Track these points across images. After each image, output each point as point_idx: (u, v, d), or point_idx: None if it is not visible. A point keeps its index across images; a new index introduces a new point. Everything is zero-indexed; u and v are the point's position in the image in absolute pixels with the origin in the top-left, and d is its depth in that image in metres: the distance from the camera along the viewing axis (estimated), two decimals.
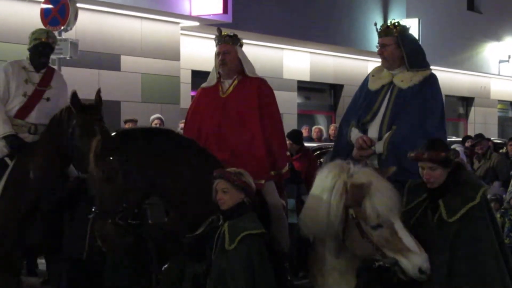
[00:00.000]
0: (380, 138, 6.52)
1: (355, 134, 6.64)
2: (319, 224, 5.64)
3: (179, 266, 6.02)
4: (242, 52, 6.92)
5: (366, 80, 6.95)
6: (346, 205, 5.50)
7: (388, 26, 6.72)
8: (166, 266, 6.32)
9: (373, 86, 6.80)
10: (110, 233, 5.82)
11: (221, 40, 6.87)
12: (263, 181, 6.56)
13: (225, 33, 6.91)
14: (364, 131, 6.63)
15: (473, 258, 5.39)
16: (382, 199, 5.39)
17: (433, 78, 6.74)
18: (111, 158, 5.84)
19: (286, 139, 12.10)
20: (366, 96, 6.80)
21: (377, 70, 6.92)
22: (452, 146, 13.56)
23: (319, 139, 17.93)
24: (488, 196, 10.73)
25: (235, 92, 6.82)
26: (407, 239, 5.35)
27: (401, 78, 6.66)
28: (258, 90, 6.80)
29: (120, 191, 5.83)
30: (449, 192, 5.52)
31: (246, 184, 5.75)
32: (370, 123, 6.65)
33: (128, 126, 14.01)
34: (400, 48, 6.66)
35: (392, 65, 6.73)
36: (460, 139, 18.69)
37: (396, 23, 6.73)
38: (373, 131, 6.61)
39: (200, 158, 6.25)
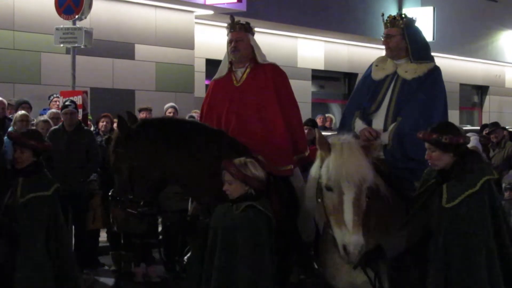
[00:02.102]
0: (385, 129, 6.57)
1: (359, 125, 6.67)
2: (310, 190, 5.77)
3: (199, 258, 6.07)
4: (254, 40, 6.90)
5: (369, 70, 6.98)
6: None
7: (394, 17, 6.76)
8: (188, 256, 6.40)
9: (376, 76, 6.84)
10: (120, 218, 6.10)
11: (233, 27, 6.85)
12: (291, 167, 6.58)
13: (238, 21, 6.90)
14: (369, 121, 6.66)
15: (463, 252, 5.41)
16: (338, 165, 5.42)
17: (437, 71, 6.76)
18: (119, 150, 6.08)
19: (305, 126, 12.21)
20: (370, 86, 6.83)
21: (380, 60, 6.96)
22: (467, 135, 13.52)
23: (330, 128, 18.03)
24: (503, 185, 10.74)
25: (249, 79, 6.81)
26: (348, 213, 5.34)
27: (405, 69, 6.71)
28: (273, 75, 6.80)
29: (126, 182, 6.04)
30: (454, 178, 5.54)
31: (247, 178, 5.76)
32: (375, 113, 6.69)
33: (142, 114, 14.05)
34: (404, 40, 6.69)
35: (396, 56, 6.78)
36: (475, 128, 18.65)
37: (403, 15, 6.77)
38: (378, 121, 6.65)
39: (223, 147, 6.29)
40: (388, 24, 6.78)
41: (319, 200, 5.56)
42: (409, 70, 6.67)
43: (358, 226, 5.33)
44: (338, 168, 5.40)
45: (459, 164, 5.55)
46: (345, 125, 6.84)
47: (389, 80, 6.73)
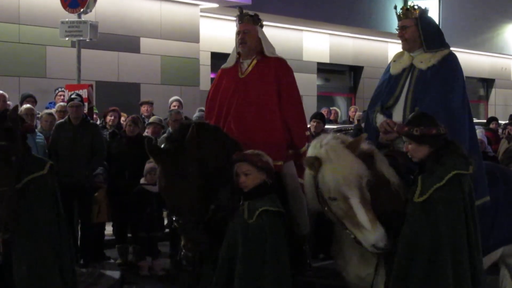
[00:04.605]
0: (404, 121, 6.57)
1: (380, 119, 6.71)
2: (308, 195, 5.82)
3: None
4: (263, 33, 6.94)
5: (388, 67, 7.05)
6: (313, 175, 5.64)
7: (408, 9, 6.80)
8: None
9: (394, 70, 6.90)
10: (200, 240, 5.73)
11: (242, 19, 6.90)
12: (280, 163, 6.59)
13: (246, 13, 6.94)
14: (389, 115, 6.70)
15: (428, 248, 5.40)
16: (332, 174, 5.46)
17: (451, 57, 6.79)
18: (190, 165, 5.71)
19: (313, 120, 12.30)
20: (389, 81, 6.89)
21: (398, 56, 7.02)
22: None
23: (335, 121, 18.08)
24: None
25: (253, 72, 6.85)
26: (361, 215, 5.39)
27: (420, 59, 6.75)
28: (276, 70, 6.83)
29: (199, 197, 5.75)
30: (427, 171, 5.56)
31: (267, 165, 5.79)
32: (394, 107, 6.73)
33: (144, 108, 14.08)
34: (418, 30, 6.73)
35: (412, 47, 6.81)
36: (481, 120, 18.69)
37: (416, 6, 6.80)
38: (397, 114, 6.69)
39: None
40: (402, 16, 6.84)
41: (326, 208, 5.59)
42: (424, 60, 6.71)
43: (375, 221, 5.39)
44: (334, 177, 5.45)
45: (432, 157, 5.57)
46: (368, 121, 6.93)
47: (406, 73, 6.77)
